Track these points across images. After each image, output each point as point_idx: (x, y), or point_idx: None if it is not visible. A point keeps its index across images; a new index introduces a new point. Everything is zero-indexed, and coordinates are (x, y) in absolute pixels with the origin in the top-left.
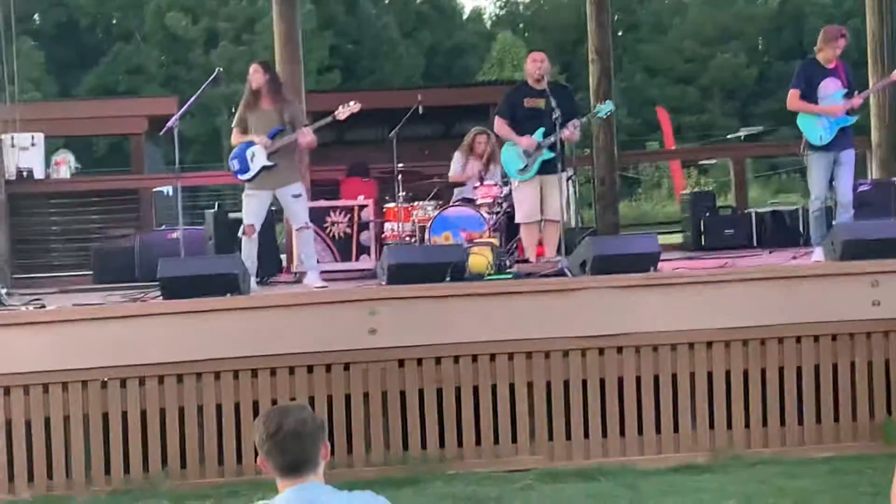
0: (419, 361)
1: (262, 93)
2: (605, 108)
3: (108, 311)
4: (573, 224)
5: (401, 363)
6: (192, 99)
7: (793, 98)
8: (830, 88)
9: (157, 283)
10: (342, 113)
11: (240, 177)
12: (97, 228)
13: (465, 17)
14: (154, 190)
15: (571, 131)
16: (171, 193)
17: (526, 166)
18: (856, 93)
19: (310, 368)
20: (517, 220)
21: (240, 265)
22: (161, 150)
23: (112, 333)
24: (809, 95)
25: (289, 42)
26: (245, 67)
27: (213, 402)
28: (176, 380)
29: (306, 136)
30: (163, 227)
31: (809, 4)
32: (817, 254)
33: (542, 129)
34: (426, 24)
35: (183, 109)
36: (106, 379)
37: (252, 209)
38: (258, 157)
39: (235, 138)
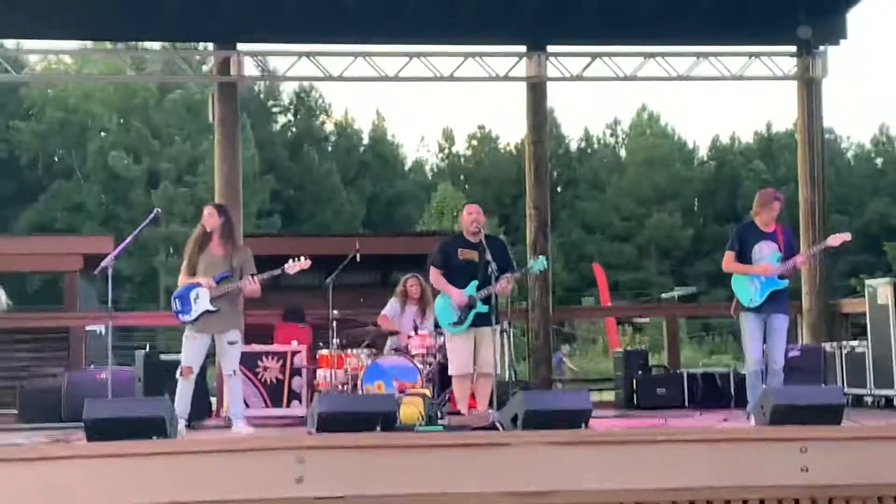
0: None
1: (215, 236)
2: (538, 264)
3: (30, 451)
4: (506, 377)
5: None
6: (129, 239)
7: (728, 259)
8: (765, 251)
9: (82, 423)
10: (292, 268)
11: (181, 317)
12: (26, 366)
13: (406, 167)
14: (87, 328)
15: (503, 286)
16: (103, 332)
17: (459, 319)
18: (791, 257)
19: None
20: (450, 372)
21: (167, 408)
22: (96, 288)
23: (33, 475)
24: (744, 257)
25: (230, 185)
26: (185, 208)
27: None
28: None
29: (251, 284)
30: (92, 366)
31: (745, 170)
32: (752, 419)
33: (474, 283)
34: (368, 173)
35: (119, 249)
36: None
37: (191, 351)
38: (202, 300)
39: (182, 279)
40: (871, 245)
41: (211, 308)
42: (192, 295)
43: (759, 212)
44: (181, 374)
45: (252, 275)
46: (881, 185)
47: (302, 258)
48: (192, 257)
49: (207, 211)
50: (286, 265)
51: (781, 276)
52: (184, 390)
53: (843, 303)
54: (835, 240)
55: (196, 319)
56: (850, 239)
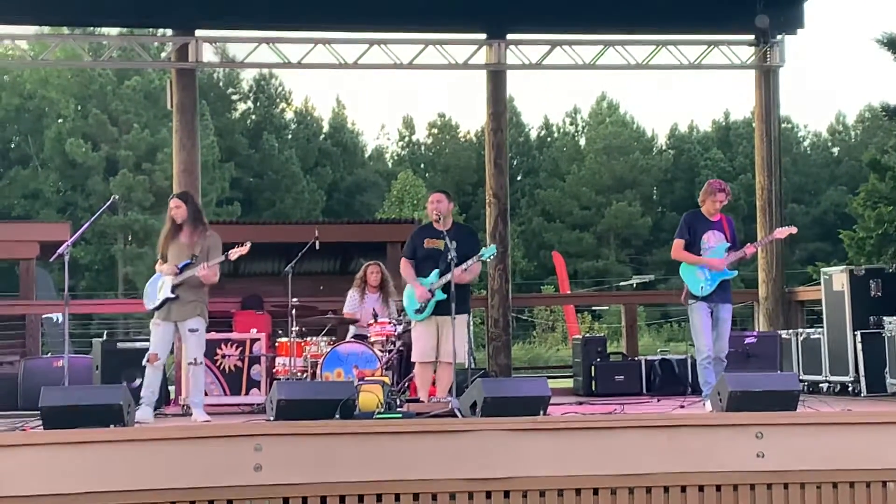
0: (304, 500)
1: (184, 226)
2: (488, 251)
3: None
4: (466, 365)
5: (285, 501)
6: (86, 225)
7: (677, 248)
8: (713, 241)
9: (38, 411)
10: (233, 254)
11: (147, 305)
12: None
13: (367, 154)
14: (44, 316)
15: (459, 274)
16: (60, 320)
17: (421, 307)
18: (735, 248)
19: None
20: (413, 358)
21: (124, 396)
22: (54, 275)
23: None
24: (693, 246)
25: (188, 172)
26: (144, 196)
27: None
28: None
29: (203, 270)
30: (49, 354)
31: (703, 159)
32: (708, 405)
33: (436, 271)
34: (328, 161)
35: (75, 236)
36: None
37: (157, 338)
38: (164, 288)
39: (157, 269)
40: (827, 233)
41: (171, 296)
42: (158, 283)
43: (704, 201)
44: (148, 361)
45: (205, 263)
46: (837, 174)
47: (247, 243)
48: (163, 247)
49: (174, 203)
50: (229, 252)
51: (731, 266)
52: (151, 377)
53: (799, 290)
54: (781, 232)
55: (160, 307)
56: (795, 231)
